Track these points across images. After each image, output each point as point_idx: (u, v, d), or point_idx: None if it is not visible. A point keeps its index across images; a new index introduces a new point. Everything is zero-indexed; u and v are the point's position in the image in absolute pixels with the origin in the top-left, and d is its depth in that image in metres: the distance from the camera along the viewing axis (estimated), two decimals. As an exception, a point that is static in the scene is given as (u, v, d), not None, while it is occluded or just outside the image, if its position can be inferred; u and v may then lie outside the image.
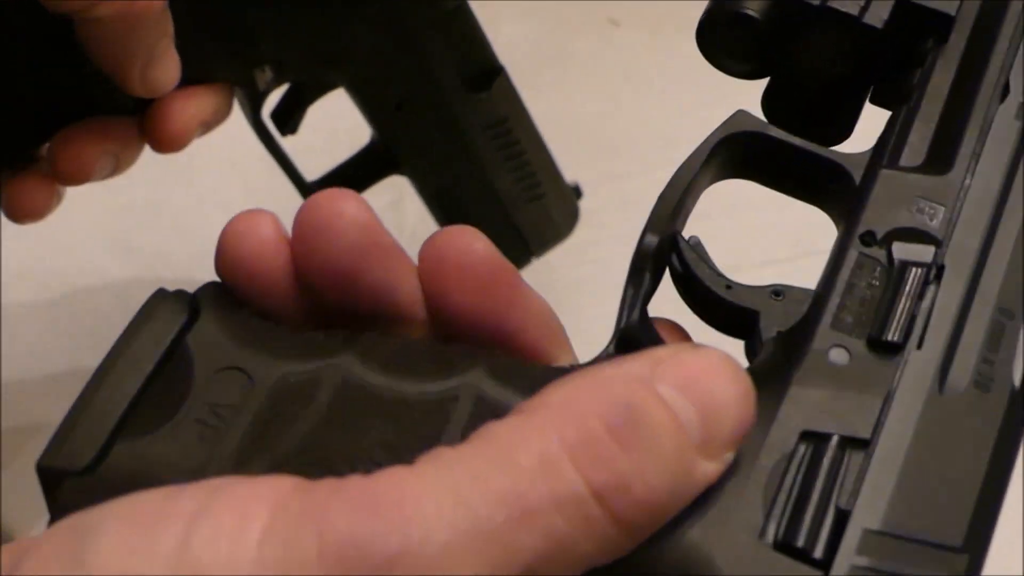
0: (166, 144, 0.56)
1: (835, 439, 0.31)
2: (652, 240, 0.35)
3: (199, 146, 0.60)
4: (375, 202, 0.71)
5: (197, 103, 0.56)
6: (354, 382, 0.31)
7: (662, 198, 0.36)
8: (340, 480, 0.27)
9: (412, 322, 0.34)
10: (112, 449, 0.31)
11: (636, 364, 0.29)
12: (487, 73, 0.64)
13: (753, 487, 0.30)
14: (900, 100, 0.38)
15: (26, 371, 0.70)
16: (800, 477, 0.30)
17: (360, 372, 0.32)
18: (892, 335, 0.32)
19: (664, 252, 0.36)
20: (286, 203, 0.66)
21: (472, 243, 0.34)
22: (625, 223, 0.80)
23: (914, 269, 0.33)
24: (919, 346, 0.32)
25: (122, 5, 0.48)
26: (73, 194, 0.58)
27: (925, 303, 0.33)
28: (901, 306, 0.33)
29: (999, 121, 0.36)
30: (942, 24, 0.38)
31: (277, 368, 0.32)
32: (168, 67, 0.52)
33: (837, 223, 0.37)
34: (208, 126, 0.58)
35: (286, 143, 0.64)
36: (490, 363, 0.32)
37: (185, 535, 0.26)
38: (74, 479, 0.30)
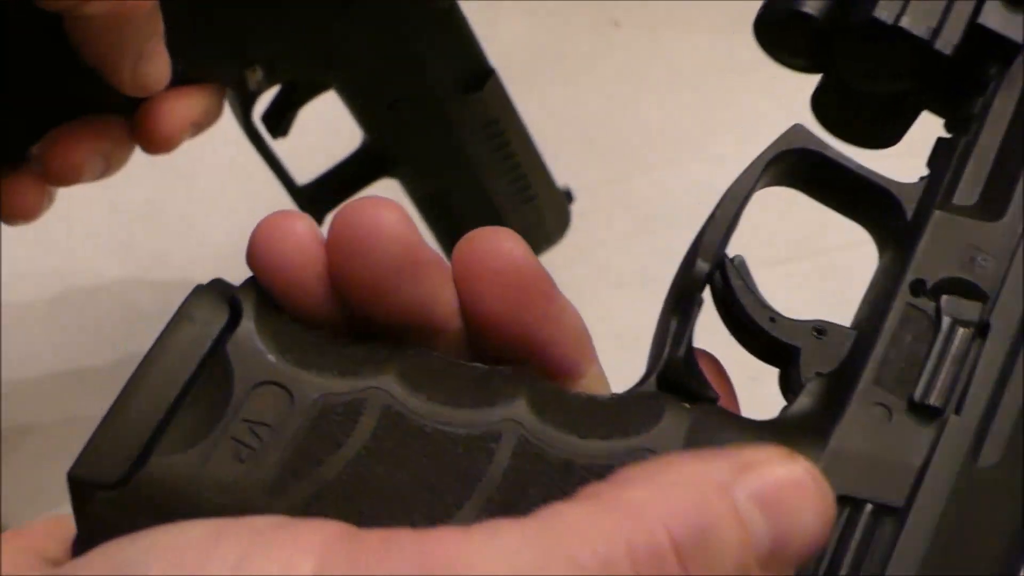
0: (156, 144, 0.56)
1: (869, 507, 0.31)
2: (703, 267, 0.34)
3: (199, 147, 0.60)
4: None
5: (187, 103, 0.56)
6: (397, 410, 0.30)
7: (713, 219, 0.35)
8: (389, 533, 0.26)
9: (448, 332, 0.33)
10: (146, 463, 0.29)
11: (720, 466, 0.28)
12: (478, 74, 0.64)
13: None
14: (958, 125, 0.37)
15: (25, 371, 0.70)
16: (833, 543, 0.30)
17: (403, 398, 0.31)
18: (934, 399, 0.32)
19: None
20: (287, 205, 0.66)
21: (509, 247, 0.33)
22: (625, 223, 0.80)
23: (961, 329, 0.33)
24: (957, 411, 0.32)
25: (113, 3, 0.48)
26: (73, 195, 0.58)
27: (967, 363, 0.32)
28: (945, 370, 0.32)
29: None
30: (1008, 51, 0.37)
31: (318, 386, 0.31)
32: (159, 65, 0.52)
33: (880, 247, 0.36)
34: (199, 127, 0.58)
35: (277, 146, 0.64)
36: (532, 393, 0.31)
37: None
38: (106, 493, 0.29)
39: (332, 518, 0.28)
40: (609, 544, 0.26)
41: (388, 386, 0.31)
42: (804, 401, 0.33)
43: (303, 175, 0.65)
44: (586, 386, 0.34)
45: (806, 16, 0.37)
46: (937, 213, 0.34)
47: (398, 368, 0.31)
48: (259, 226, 0.32)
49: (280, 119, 0.64)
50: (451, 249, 0.34)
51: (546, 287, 0.33)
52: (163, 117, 0.55)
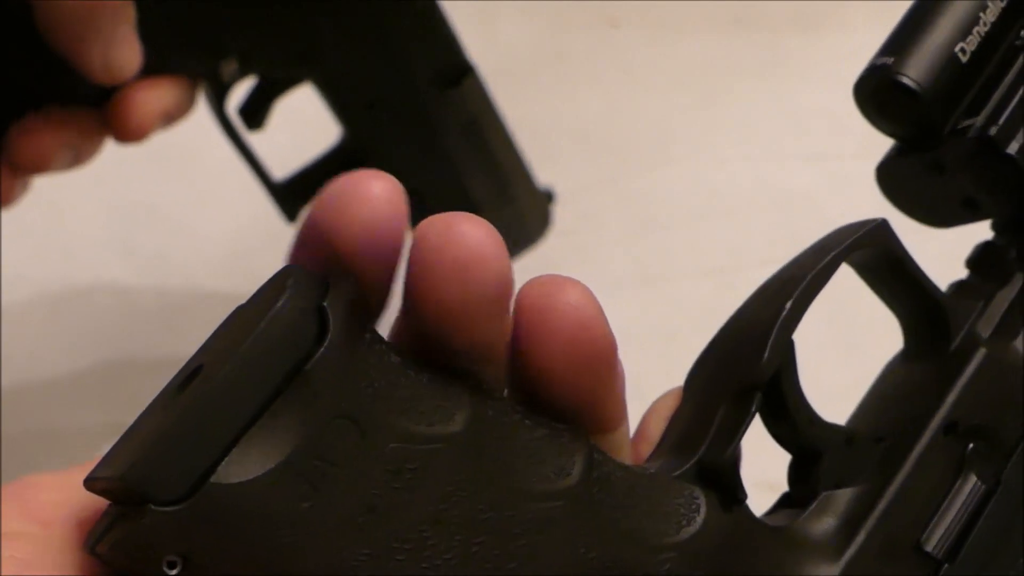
0: (127, 134, 0.55)
1: None
2: (774, 362, 0.32)
3: (199, 146, 0.60)
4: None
5: (159, 94, 0.55)
6: (470, 475, 0.29)
7: (787, 311, 0.32)
8: None
9: (495, 364, 0.31)
10: (206, 483, 0.26)
11: None
12: (457, 70, 0.63)
13: None
14: (1011, 239, 0.37)
15: (26, 373, 0.70)
16: None
17: (475, 457, 0.29)
18: (934, 548, 0.32)
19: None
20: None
21: (590, 314, 0.31)
22: (625, 223, 0.80)
23: (978, 483, 0.33)
24: (951, 560, 0.32)
25: None
26: (72, 195, 0.58)
27: (970, 513, 0.33)
28: (952, 520, 0.33)
29: None
30: None
31: (392, 427, 0.28)
32: (129, 53, 0.52)
33: (909, 345, 0.36)
34: (171, 118, 0.57)
35: (255, 141, 0.63)
36: (588, 467, 0.30)
37: None
38: (159, 508, 0.26)
39: None
40: None
41: (463, 441, 0.29)
42: (820, 515, 0.33)
43: (279, 170, 0.64)
44: (614, 442, 0.33)
45: (908, 90, 0.36)
46: (983, 352, 0.34)
47: (476, 419, 0.29)
48: (333, 185, 0.29)
49: (256, 111, 0.63)
50: None
51: (611, 357, 0.31)
52: (134, 107, 0.55)
